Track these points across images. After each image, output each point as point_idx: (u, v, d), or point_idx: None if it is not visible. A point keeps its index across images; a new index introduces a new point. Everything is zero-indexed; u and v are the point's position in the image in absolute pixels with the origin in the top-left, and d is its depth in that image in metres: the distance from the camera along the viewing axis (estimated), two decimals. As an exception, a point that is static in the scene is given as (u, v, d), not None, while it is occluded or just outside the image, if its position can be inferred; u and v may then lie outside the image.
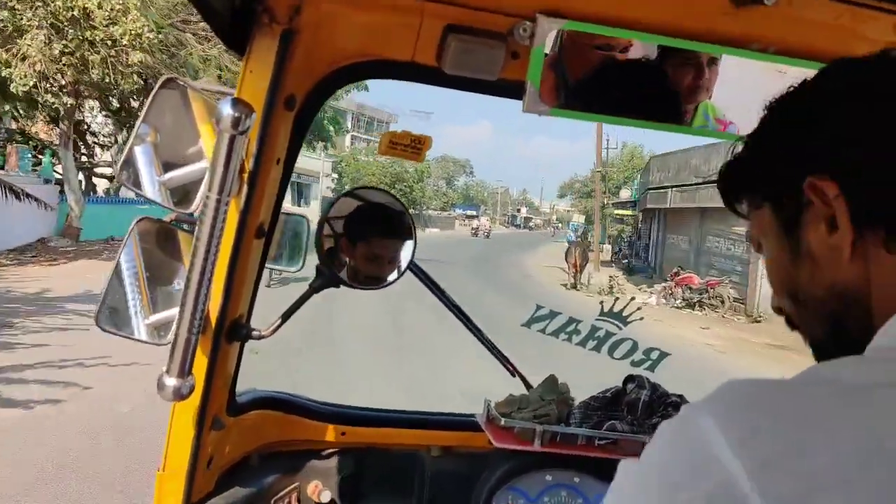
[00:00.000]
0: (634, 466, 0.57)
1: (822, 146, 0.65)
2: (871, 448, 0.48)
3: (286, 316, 1.32)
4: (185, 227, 1.19)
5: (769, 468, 0.49)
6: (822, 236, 0.65)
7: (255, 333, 1.30)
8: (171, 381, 1.07)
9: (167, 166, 1.11)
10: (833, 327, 0.68)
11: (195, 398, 1.17)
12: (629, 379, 1.73)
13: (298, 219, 1.54)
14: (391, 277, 1.41)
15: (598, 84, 1.30)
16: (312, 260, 1.41)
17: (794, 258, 0.68)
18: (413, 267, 1.46)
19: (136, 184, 1.08)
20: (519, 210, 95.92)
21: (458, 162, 63.82)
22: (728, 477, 0.49)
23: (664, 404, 1.68)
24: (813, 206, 0.65)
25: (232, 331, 1.25)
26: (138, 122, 1.08)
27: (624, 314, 1.70)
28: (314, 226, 1.44)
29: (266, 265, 1.48)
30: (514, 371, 1.79)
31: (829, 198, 0.63)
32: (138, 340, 1.17)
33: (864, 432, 0.49)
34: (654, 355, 1.71)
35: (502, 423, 1.62)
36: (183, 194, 1.11)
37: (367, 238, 1.38)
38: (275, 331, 1.32)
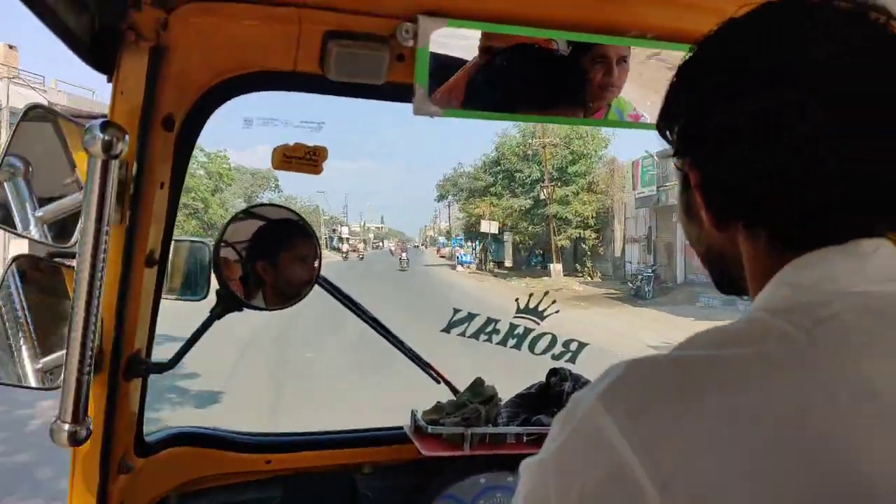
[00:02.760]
0: (534, 462, 0.59)
1: (685, 132, 0.67)
2: (741, 415, 0.50)
3: (187, 346, 1.26)
4: (67, 262, 1.12)
5: (653, 444, 0.51)
6: (700, 207, 0.67)
7: (155, 367, 1.24)
8: (66, 427, 1.00)
9: (41, 200, 1.04)
10: (720, 277, 0.73)
11: (96, 441, 1.11)
12: (552, 373, 1.75)
13: (198, 245, 1.48)
14: (299, 294, 1.38)
15: (496, 81, 1.32)
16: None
17: (686, 214, 0.71)
18: (320, 281, 1.43)
19: (7, 221, 1.01)
20: (335, 230, 79.20)
21: (259, 173, 53.76)
22: (619, 459, 0.51)
23: (588, 394, 1.70)
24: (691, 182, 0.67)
25: (129, 367, 1.19)
26: (1, 155, 1.01)
27: (540, 309, 1.72)
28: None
29: (166, 296, 1.42)
30: (438, 377, 1.78)
31: (691, 183, 0.66)
32: (27, 388, 1.09)
33: (734, 399, 0.51)
34: (574, 346, 1.73)
35: (429, 430, 1.61)
36: (61, 227, 1.05)
37: (269, 256, 1.34)
38: (176, 362, 1.26)
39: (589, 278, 32.54)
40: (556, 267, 32.36)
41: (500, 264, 40.87)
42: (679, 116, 0.68)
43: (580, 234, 33.15)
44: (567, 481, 0.54)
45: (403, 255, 41.57)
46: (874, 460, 0.48)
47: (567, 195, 33.46)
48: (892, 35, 0.59)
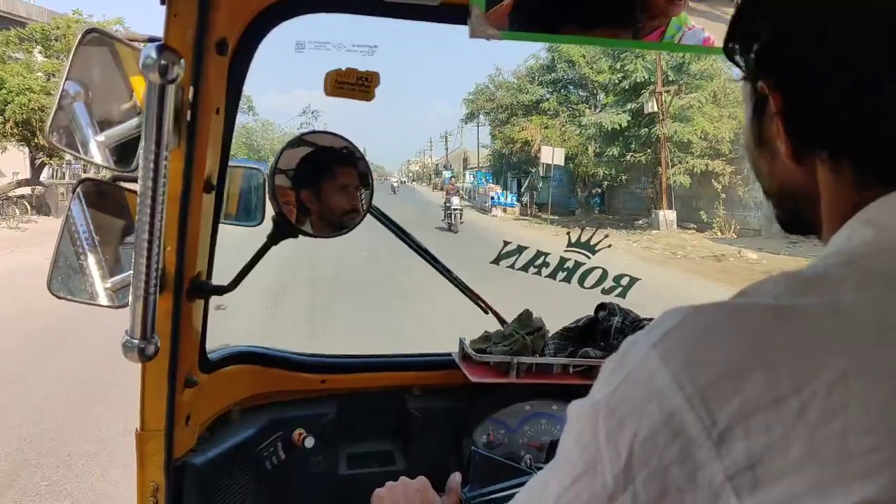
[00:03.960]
0: (584, 405, 0.57)
1: (768, 50, 0.62)
2: (801, 369, 0.48)
3: (246, 270, 1.30)
4: (129, 186, 1.16)
5: (707, 395, 0.49)
6: (776, 136, 0.63)
7: (217, 289, 1.28)
8: (135, 343, 1.06)
9: (102, 124, 1.07)
10: (790, 216, 0.69)
11: (163, 358, 1.17)
12: (601, 307, 1.74)
13: (252, 171, 1.50)
14: (352, 223, 1.39)
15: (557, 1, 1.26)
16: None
17: (757, 144, 0.67)
18: (373, 210, 1.44)
19: (71, 145, 1.04)
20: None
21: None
22: (670, 408, 0.50)
23: (637, 329, 1.70)
24: (769, 107, 0.63)
25: (192, 288, 1.23)
26: (62, 80, 1.03)
27: (591, 243, 1.70)
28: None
29: (224, 221, 1.45)
30: (486, 308, 1.80)
31: (772, 109, 0.62)
32: (97, 305, 1.15)
33: (797, 353, 0.48)
34: (625, 282, 1.72)
35: (476, 358, 1.64)
36: (122, 152, 1.08)
37: (324, 184, 1.35)
38: (236, 285, 1.30)
39: (720, 233, 21.95)
40: (667, 215, 22.61)
41: (541, 207, 30.32)
42: (759, 31, 0.62)
43: (706, 166, 22.56)
44: (619, 428, 0.53)
45: (454, 201, 22.90)
46: None
47: (689, 107, 22.71)
48: None
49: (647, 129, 24.01)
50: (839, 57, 0.55)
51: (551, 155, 26.17)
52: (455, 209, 22.31)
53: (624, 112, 24.69)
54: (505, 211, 32.88)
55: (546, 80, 29.84)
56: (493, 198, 34.66)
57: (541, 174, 30.97)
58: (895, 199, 0.56)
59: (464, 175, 59.08)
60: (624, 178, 26.36)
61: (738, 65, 0.66)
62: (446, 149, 72.08)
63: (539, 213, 30.00)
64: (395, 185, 44.21)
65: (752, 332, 0.50)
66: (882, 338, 0.48)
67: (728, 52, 0.67)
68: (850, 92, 0.55)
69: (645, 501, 0.51)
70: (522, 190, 33.36)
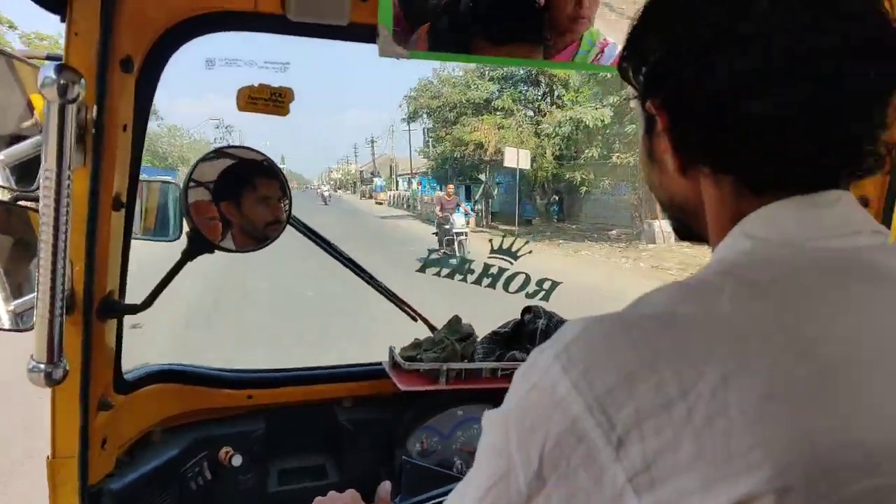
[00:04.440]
0: (496, 415, 0.60)
1: (655, 72, 0.66)
2: (686, 374, 0.51)
3: (160, 287, 1.28)
4: (32, 206, 1.13)
5: (604, 402, 0.52)
6: (664, 151, 0.67)
7: (129, 308, 1.26)
8: (41, 367, 1.03)
9: (2, 143, 1.04)
10: (680, 225, 0.73)
11: (73, 381, 1.14)
12: (526, 310, 1.78)
13: (167, 186, 1.48)
14: (274, 234, 1.38)
15: (464, 21, 1.29)
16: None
17: (649, 159, 0.71)
18: (293, 221, 1.44)
19: (-33, 165, 1.01)
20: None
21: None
22: (573, 415, 0.53)
23: (561, 330, 1.74)
24: (658, 125, 0.66)
25: (103, 308, 1.21)
26: None
27: (513, 249, 1.74)
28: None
29: (140, 237, 1.43)
30: (415, 315, 1.81)
31: (659, 126, 0.66)
32: (1, 329, 1.12)
33: (681, 359, 0.52)
34: (547, 285, 1.76)
35: (406, 366, 1.65)
36: (24, 171, 1.05)
37: (245, 197, 1.34)
38: (150, 303, 1.28)
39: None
40: (663, 226, 17.65)
41: (495, 216, 27.42)
42: (648, 55, 0.66)
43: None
44: (529, 435, 0.55)
45: (458, 221, 15.55)
46: (809, 427, 0.49)
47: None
48: None
49: (633, 126, 20.18)
50: (717, 79, 0.58)
51: (516, 157, 21.98)
52: (460, 233, 15.12)
53: (605, 107, 21.75)
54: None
55: (497, 75, 26.79)
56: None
57: (496, 180, 28.74)
58: (770, 211, 0.60)
59: (395, 182, 56.80)
60: (607, 182, 22.99)
61: (631, 84, 0.69)
62: (373, 155, 69.95)
63: (495, 224, 26.57)
64: (327, 194, 42.13)
65: (641, 341, 0.54)
66: (755, 342, 0.52)
67: (622, 72, 0.70)
68: (726, 111, 0.59)
69: (557, 503, 0.54)
70: (477, 198, 28.93)
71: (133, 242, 1.31)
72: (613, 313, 0.57)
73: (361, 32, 1.21)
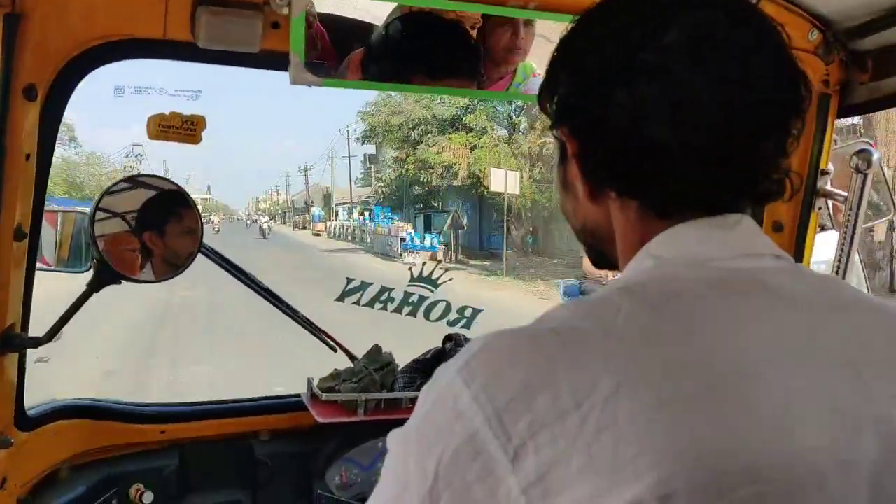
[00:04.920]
0: (398, 432, 0.61)
1: (565, 102, 0.69)
2: (581, 386, 0.52)
3: (64, 319, 1.24)
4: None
5: (502, 415, 0.53)
6: (575, 178, 0.69)
7: (30, 341, 1.21)
8: None
9: None
10: (593, 251, 0.76)
11: None
12: (447, 338, 1.79)
13: (77, 216, 1.44)
14: (189, 262, 1.36)
15: (381, 49, 1.31)
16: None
17: (563, 187, 0.74)
18: (204, 250, 1.42)
19: None
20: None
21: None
22: (472, 429, 0.53)
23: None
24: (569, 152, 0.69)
25: (3, 341, 1.16)
26: None
27: (433, 277, 1.76)
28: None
29: (47, 268, 1.38)
30: (335, 345, 1.80)
31: (569, 153, 0.69)
32: None
33: (576, 371, 0.53)
34: (468, 313, 1.78)
35: (323, 397, 1.63)
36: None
37: (150, 227, 1.32)
38: (53, 335, 1.24)
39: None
40: None
41: (464, 250, 24.57)
42: (559, 86, 0.69)
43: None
44: (427, 451, 0.56)
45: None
46: (695, 436, 0.51)
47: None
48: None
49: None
50: (620, 106, 0.62)
51: (503, 180, 19.70)
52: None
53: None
54: (416, 253, 23.09)
55: (465, 89, 24.48)
56: (403, 240, 25.49)
57: (462, 211, 25.68)
58: (673, 232, 0.64)
59: (333, 212, 52.55)
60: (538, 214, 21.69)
61: (547, 114, 0.72)
62: (307, 183, 67.55)
63: (467, 258, 24.24)
64: (266, 227, 39.50)
65: (541, 353, 0.55)
66: (646, 356, 0.54)
67: (540, 103, 0.74)
68: (629, 137, 0.62)
69: None
70: (445, 229, 25.64)
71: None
72: (516, 328, 0.59)
73: (273, 60, 1.21)
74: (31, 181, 1.17)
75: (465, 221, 26.10)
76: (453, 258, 23.97)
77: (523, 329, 0.59)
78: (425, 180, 26.21)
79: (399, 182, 30.21)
